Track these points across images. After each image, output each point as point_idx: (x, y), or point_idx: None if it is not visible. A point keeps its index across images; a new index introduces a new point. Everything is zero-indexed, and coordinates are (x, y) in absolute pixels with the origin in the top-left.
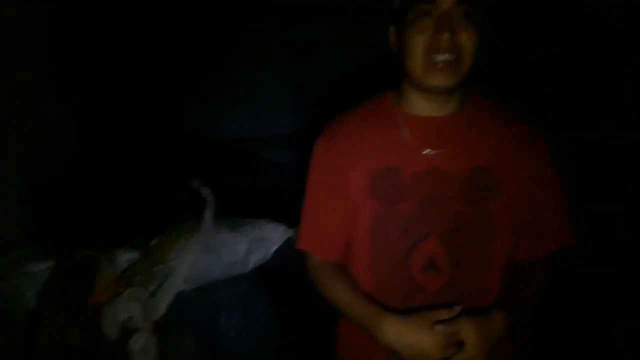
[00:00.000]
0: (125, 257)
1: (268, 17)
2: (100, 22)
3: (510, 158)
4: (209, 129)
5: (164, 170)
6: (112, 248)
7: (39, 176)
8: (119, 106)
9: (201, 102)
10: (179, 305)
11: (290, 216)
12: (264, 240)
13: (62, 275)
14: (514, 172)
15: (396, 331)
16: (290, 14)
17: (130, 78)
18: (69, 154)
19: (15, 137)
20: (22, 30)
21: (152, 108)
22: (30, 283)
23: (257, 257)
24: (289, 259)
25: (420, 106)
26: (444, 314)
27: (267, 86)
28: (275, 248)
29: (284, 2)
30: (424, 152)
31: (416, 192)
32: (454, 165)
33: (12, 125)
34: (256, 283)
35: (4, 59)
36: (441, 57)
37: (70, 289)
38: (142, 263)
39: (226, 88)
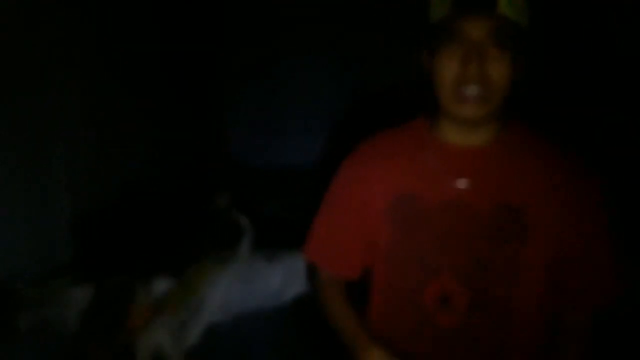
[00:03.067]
0: (161, 285)
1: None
2: (153, 48)
3: (548, 199)
4: (251, 158)
5: (204, 199)
6: (149, 275)
7: (88, 204)
8: (162, 134)
9: (244, 131)
10: (210, 336)
11: None
12: (300, 273)
13: (101, 301)
14: (551, 215)
15: None
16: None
17: (174, 105)
18: (116, 182)
19: (66, 165)
20: (73, 60)
21: (196, 136)
22: (73, 308)
23: (293, 290)
24: None
25: (451, 134)
26: None
27: (312, 115)
28: None
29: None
30: (448, 182)
31: (435, 222)
32: (479, 199)
33: (63, 155)
34: (291, 317)
35: (55, 91)
36: (469, 89)
37: (108, 315)
38: (177, 291)
39: (271, 117)
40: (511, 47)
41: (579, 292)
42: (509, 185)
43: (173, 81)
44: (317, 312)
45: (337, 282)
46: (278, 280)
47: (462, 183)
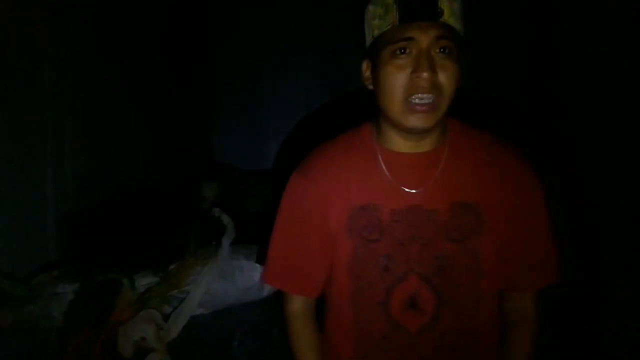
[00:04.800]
0: (145, 281)
1: None
2: (144, 53)
3: (497, 192)
4: (234, 157)
5: (187, 198)
6: (133, 272)
7: (75, 201)
8: (148, 135)
9: (228, 132)
10: (193, 329)
11: None
12: None
13: (86, 296)
14: (502, 206)
15: None
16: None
17: (161, 106)
18: (102, 181)
19: (53, 163)
20: (65, 59)
21: (181, 136)
22: (58, 303)
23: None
24: None
25: (398, 143)
26: None
27: (300, 119)
28: None
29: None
30: (404, 190)
31: (396, 230)
32: (434, 202)
33: (51, 152)
34: (270, 310)
35: (45, 90)
36: (420, 99)
37: (93, 310)
38: (160, 287)
39: (258, 122)
40: (455, 54)
41: (523, 274)
42: (461, 184)
43: (161, 84)
44: None
45: (305, 312)
46: (257, 275)
47: (416, 190)
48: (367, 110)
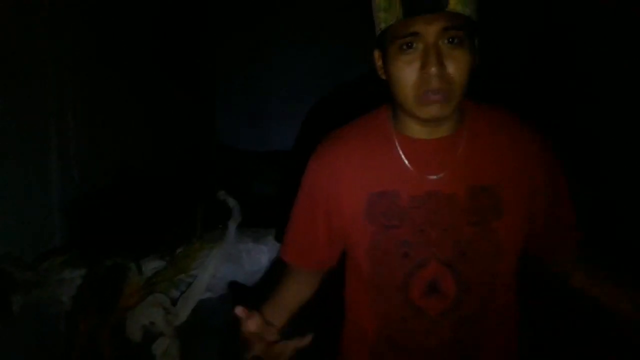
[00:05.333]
0: (152, 265)
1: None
2: (146, 40)
3: (516, 173)
4: (239, 141)
5: (195, 181)
6: (140, 257)
7: (80, 186)
8: (153, 119)
9: (232, 116)
10: (201, 313)
11: None
12: None
13: (94, 281)
14: (521, 188)
15: None
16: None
17: (165, 92)
18: (108, 165)
19: (58, 148)
20: (67, 48)
21: (186, 121)
22: (66, 289)
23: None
24: None
25: (415, 130)
26: None
27: (302, 102)
28: None
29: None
30: (423, 176)
31: (415, 216)
32: (453, 187)
33: (56, 137)
34: None
35: (49, 78)
36: (433, 92)
37: (101, 295)
38: (167, 271)
39: (262, 100)
40: (466, 41)
41: (549, 251)
42: (479, 168)
43: (165, 70)
44: None
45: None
46: (265, 258)
47: (435, 175)
48: (372, 94)
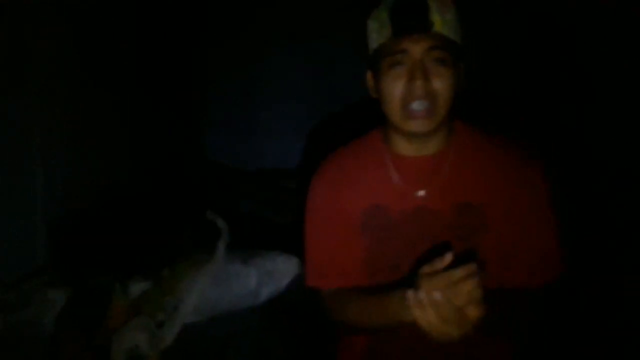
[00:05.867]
0: (138, 286)
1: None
2: (131, 53)
3: (501, 192)
4: (227, 159)
5: (182, 200)
6: (125, 277)
7: (65, 205)
8: (139, 136)
9: (220, 132)
10: (187, 336)
11: None
12: (275, 273)
13: (77, 302)
14: (505, 206)
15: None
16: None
17: (151, 108)
18: (93, 184)
19: (43, 166)
20: (52, 64)
21: (172, 138)
22: (49, 310)
23: (268, 290)
24: (301, 293)
25: (404, 147)
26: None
27: (294, 118)
28: (287, 281)
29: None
30: (411, 192)
31: (405, 230)
32: (440, 203)
33: (40, 155)
34: (267, 317)
35: (33, 94)
36: (417, 105)
37: (84, 316)
38: (153, 292)
39: (253, 119)
40: (449, 61)
41: (527, 270)
42: (465, 186)
43: (150, 84)
44: (292, 311)
45: (338, 291)
46: (254, 281)
47: (422, 192)
48: (364, 110)
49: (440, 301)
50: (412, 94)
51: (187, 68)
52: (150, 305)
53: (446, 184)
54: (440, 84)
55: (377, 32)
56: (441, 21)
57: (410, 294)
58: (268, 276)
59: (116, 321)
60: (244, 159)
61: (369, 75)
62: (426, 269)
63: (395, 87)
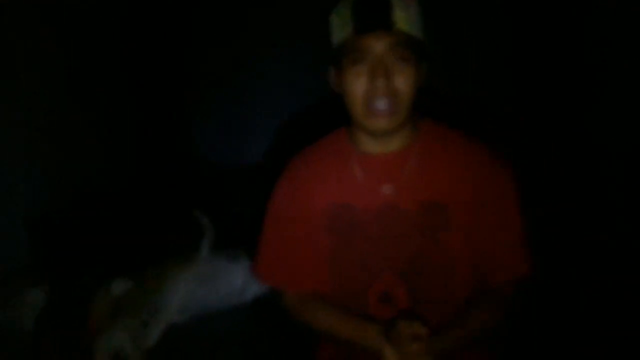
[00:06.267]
0: (121, 287)
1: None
2: (118, 50)
3: (465, 190)
4: (214, 157)
5: (167, 199)
6: (108, 277)
7: (46, 206)
8: (125, 135)
9: (208, 131)
10: (171, 336)
11: None
12: None
13: (59, 302)
14: (470, 204)
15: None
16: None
17: (138, 106)
18: (76, 183)
19: (25, 167)
20: (36, 65)
21: (159, 137)
22: (30, 311)
23: (254, 289)
24: None
25: (368, 145)
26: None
27: (282, 117)
28: None
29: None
30: (375, 190)
31: (370, 228)
32: (405, 200)
33: (23, 155)
34: (253, 316)
35: (15, 94)
36: (378, 103)
37: (67, 317)
38: (136, 292)
39: (240, 115)
40: (412, 58)
41: (491, 268)
42: (429, 184)
43: (137, 82)
44: (278, 310)
45: (303, 298)
46: (239, 280)
47: (387, 189)
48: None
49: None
50: (374, 91)
51: (176, 69)
52: (134, 305)
53: (411, 181)
54: (402, 82)
55: (339, 28)
56: (404, 19)
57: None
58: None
59: (99, 321)
60: (231, 158)
61: (332, 71)
62: (405, 328)
63: (357, 85)
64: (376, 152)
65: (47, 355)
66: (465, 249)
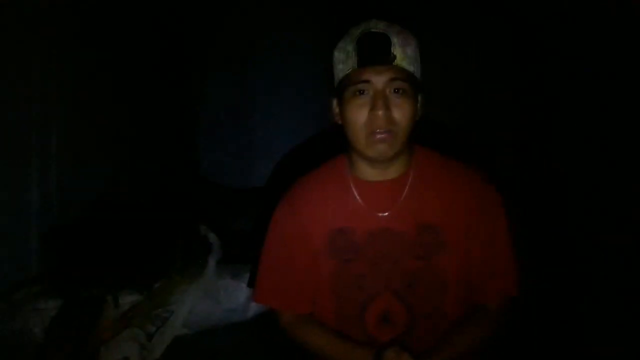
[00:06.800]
0: (129, 299)
1: None
2: (129, 68)
3: (458, 213)
4: (221, 176)
5: (175, 215)
6: (117, 289)
7: (59, 216)
8: (134, 151)
9: (219, 150)
10: (177, 349)
11: None
12: None
13: (68, 313)
14: (462, 228)
15: None
16: None
17: (147, 123)
18: (87, 197)
19: (39, 177)
20: (52, 75)
21: (167, 154)
22: (39, 320)
23: (257, 305)
24: None
25: (367, 172)
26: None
27: (288, 136)
28: None
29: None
30: (373, 214)
31: (368, 251)
32: (401, 224)
33: (36, 167)
34: (256, 331)
35: (32, 106)
36: (378, 133)
37: (75, 327)
38: (144, 305)
39: (246, 137)
40: (409, 92)
41: (481, 288)
42: (424, 208)
43: (147, 101)
44: (278, 328)
45: (300, 319)
46: (243, 296)
47: (383, 213)
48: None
49: None
50: (374, 122)
51: (185, 88)
52: (141, 318)
53: (407, 205)
54: (400, 113)
55: (343, 63)
56: (402, 55)
57: None
58: None
59: (106, 333)
60: (237, 176)
61: (334, 103)
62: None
63: (358, 115)
64: (374, 179)
65: None
66: (458, 269)
